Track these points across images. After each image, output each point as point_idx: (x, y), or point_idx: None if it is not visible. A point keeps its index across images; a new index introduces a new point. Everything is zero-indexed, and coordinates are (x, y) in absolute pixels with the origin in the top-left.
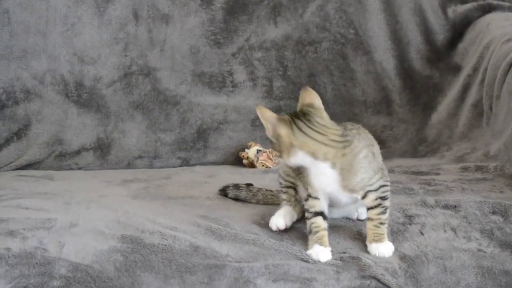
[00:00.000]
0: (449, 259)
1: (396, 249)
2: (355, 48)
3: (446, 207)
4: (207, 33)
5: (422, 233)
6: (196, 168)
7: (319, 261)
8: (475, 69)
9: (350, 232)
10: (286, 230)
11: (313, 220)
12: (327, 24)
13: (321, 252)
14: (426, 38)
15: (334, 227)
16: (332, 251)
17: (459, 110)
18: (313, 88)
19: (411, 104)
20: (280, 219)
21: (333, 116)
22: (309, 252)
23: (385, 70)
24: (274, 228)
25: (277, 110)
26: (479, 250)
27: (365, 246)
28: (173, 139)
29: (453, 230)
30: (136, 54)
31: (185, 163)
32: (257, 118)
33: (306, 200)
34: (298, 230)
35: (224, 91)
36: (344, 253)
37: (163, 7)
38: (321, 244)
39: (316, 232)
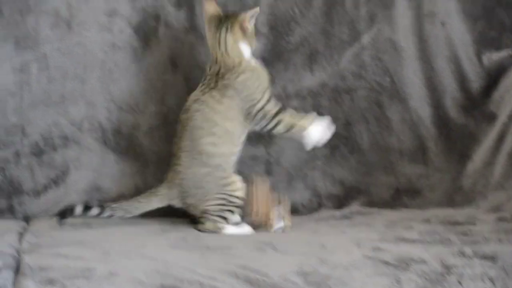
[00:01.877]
0: None
1: None
2: (390, 96)
3: (483, 257)
4: None
5: (460, 284)
6: None
7: None
8: (511, 118)
9: (388, 279)
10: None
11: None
12: (363, 72)
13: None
14: (461, 85)
15: (373, 275)
16: None
17: (495, 159)
18: (349, 137)
19: (446, 153)
20: None
21: (369, 165)
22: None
23: (420, 118)
24: None
25: (313, 159)
26: None
27: None
28: None
29: (491, 281)
30: (174, 102)
31: None
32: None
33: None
34: (335, 278)
35: (261, 142)
36: None
37: (200, 55)
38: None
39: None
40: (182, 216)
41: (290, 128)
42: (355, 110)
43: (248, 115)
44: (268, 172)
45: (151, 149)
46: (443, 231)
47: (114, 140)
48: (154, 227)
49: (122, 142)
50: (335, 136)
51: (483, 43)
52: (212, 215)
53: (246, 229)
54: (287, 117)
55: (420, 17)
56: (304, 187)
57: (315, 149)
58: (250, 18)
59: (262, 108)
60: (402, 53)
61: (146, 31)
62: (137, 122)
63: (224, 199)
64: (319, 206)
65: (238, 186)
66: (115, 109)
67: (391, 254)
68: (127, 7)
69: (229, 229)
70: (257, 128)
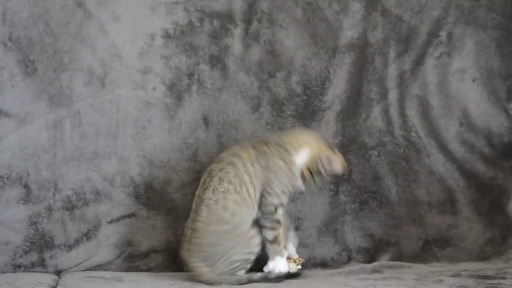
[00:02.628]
0: None
1: None
2: (417, 150)
3: None
4: None
5: None
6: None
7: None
8: None
9: None
10: None
11: (281, 230)
12: (390, 128)
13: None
14: (489, 140)
15: None
16: None
17: None
18: (377, 191)
19: (475, 204)
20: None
21: (398, 218)
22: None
23: (448, 171)
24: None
25: (342, 214)
26: None
27: None
28: None
29: None
30: (205, 159)
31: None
32: (324, 223)
33: (277, 209)
34: None
35: (291, 198)
36: None
37: (233, 113)
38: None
39: (281, 242)
40: None
41: (273, 241)
42: (382, 165)
43: (261, 198)
44: (298, 227)
45: (182, 204)
46: (474, 285)
47: (145, 195)
48: (184, 280)
49: (154, 198)
50: (363, 190)
51: None
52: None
53: None
54: (280, 233)
55: (448, 74)
56: (334, 241)
57: (345, 204)
58: (327, 163)
59: (273, 204)
60: (429, 109)
61: (179, 89)
62: (169, 178)
63: (240, 260)
64: (349, 260)
65: (256, 242)
66: (147, 165)
67: None
68: (161, 65)
69: None
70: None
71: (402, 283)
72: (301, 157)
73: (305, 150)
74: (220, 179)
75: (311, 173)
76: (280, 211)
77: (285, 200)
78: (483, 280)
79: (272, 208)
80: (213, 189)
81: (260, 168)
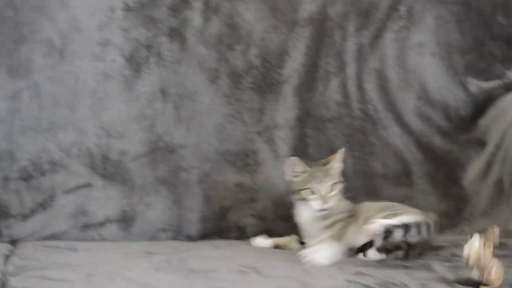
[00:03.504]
0: None
1: None
2: (374, 123)
3: (466, 284)
4: (233, 112)
5: None
6: (217, 242)
7: None
8: (498, 147)
9: None
10: None
11: None
12: (348, 101)
13: None
14: (446, 114)
15: None
16: None
17: (481, 187)
18: None
19: (431, 176)
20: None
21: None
22: None
23: (405, 144)
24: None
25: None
26: None
27: None
28: (197, 216)
29: None
30: (162, 130)
31: (207, 238)
32: (280, 197)
33: None
34: None
35: (247, 169)
36: None
37: (191, 85)
38: None
39: None
40: (167, 239)
41: None
42: (339, 137)
43: None
44: (253, 199)
45: (138, 175)
46: (426, 255)
47: (102, 166)
48: (138, 250)
49: (110, 168)
50: None
51: (472, 74)
52: None
53: None
54: None
55: (407, 48)
56: (290, 215)
57: None
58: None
59: None
60: (387, 83)
61: (138, 61)
62: (125, 149)
63: None
64: None
65: None
66: (104, 136)
67: (373, 278)
68: (120, 37)
69: None
70: None
71: None
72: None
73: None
74: None
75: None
76: None
77: None
78: (436, 251)
79: None
80: None
81: None
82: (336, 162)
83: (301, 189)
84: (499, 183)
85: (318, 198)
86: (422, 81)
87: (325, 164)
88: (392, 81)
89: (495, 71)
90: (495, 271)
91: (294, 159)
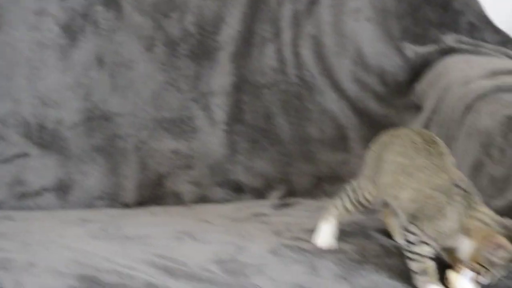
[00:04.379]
0: None
1: None
2: (310, 88)
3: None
4: (169, 79)
5: (378, 273)
6: (154, 209)
7: None
8: (434, 112)
9: (305, 266)
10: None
11: (428, 263)
12: (283, 67)
13: None
14: (383, 79)
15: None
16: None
17: None
18: (270, 129)
19: (367, 141)
20: (333, 239)
21: (290, 155)
22: None
23: (341, 109)
24: (326, 247)
25: (234, 154)
26: None
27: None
28: (134, 183)
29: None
30: (98, 99)
31: (144, 205)
32: (217, 163)
33: (417, 244)
34: (253, 265)
35: (183, 137)
36: (299, 286)
37: (127, 53)
38: (438, 285)
39: (432, 275)
40: (103, 207)
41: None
42: (275, 103)
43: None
44: (190, 166)
45: (74, 143)
46: (364, 220)
47: (38, 135)
48: (74, 218)
49: (46, 137)
50: (255, 129)
51: (408, 39)
52: None
53: None
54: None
55: (343, 14)
56: (226, 181)
57: (237, 143)
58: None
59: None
60: (323, 49)
61: (74, 30)
62: (61, 117)
63: None
64: (241, 199)
65: None
66: (40, 105)
67: (309, 242)
68: (56, 6)
69: None
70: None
71: (293, 219)
72: (466, 245)
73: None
74: None
75: (482, 266)
76: (426, 249)
77: (432, 244)
78: (372, 216)
79: (413, 238)
80: None
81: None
82: None
83: (486, 269)
84: None
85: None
86: (358, 46)
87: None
88: (328, 47)
89: (431, 36)
90: None
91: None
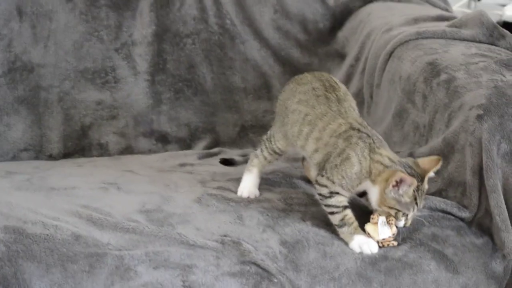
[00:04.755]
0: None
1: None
2: (232, 37)
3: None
4: (91, 30)
5: (303, 220)
6: (80, 160)
7: (372, 253)
8: (357, 59)
9: (230, 216)
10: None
11: (345, 212)
12: (205, 15)
13: (370, 243)
14: (304, 27)
15: (215, 212)
16: (213, 234)
17: None
18: (193, 79)
19: None
20: (255, 188)
21: (214, 105)
22: (353, 245)
23: (263, 58)
24: (250, 196)
25: (158, 104)
26: None
27: (246, 231)
28: (58, 134)
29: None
30: (20, 50)
31: (70, 157)
32: (141, 114)
33: (330, 196)
34: (179, 215)
35: (107, 87)
36: (225, 236)
37: (47, 3)
38: (361, 233)
39: (352, 223)
40: (28, 158)
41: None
42: (197, 53)
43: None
44: (114, 117)
45: None
46: (288, 169)
47: None
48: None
49: None
50: (178, 79)
51: None
52: None
53: None
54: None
55: None
56: (150, 131)
57: (160, 93)
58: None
59: (327, 188)
60: None
61: None
62: None
63: None
64: (166, 150)
65: None
66: None
67: (234, 192)
68: None
69: None
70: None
71: (216, 168)
72: (374, 193)
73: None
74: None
75: (392, 208)
76: (340, 199)
77: (345, 194)
78: (296, 163)
79: (326, 192)
80: None
81: (333, 144)
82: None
83: (396, 210)
84: (358, 94)
85: (405, 220)
86: None
87: (423, 179)
88: None
89: None
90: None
91: (413, 180)
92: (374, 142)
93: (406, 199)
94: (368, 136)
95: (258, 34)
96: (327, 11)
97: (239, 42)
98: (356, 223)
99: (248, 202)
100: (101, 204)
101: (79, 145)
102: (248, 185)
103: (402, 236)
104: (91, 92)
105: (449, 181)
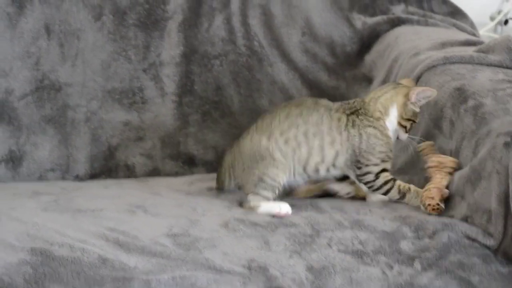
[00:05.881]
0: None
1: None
2: (260, 59)
3: (354, 223)
4: (119, 49)
5: (330, 246)
6: (106, 182)
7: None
8: (384, 83)
9: (257, 241)
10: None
11: (397, 183)
12: (233, 37)
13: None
14: (332, 50)
15: (242, 236)
16: (240, 259)
17: None
18: (220, 101)
19: None
20: (287, 205)
21: (241, 128)
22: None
23: (291, 80)
24: (284, 212)
25: (185, 126)
26: (387, 263)
27: (273, 256)
28: (85, 155)
29: (361, 244)
30: (48, 69)
31: (96, 177)
32: (168, 136)
33: (377, 178)
34: (206, 239)
35: (134, 107)
36: (252, 261)
37: (75, 22)
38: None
39: (409, 189)
40: (55, 179)
41: (400, 195)
42: (225, 74)
43: (351, 165)
44: (141, 138)
45: (24, 113)
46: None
47: None
48: (26, 191)
49: None
50: (206, 101)
51: (357, 9)
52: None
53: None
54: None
55: None
56: (177, 154)
57: (188, 115)
58: (419, 94)
59: (373, 172)
60: (272, 18)
61: None
62: (11, 87)
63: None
64: (193, 173)
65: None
66: None
67: (262, 217)
68: None
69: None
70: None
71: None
72: (393, 117)
73: (392, 107)
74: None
75: (411, 120)
76: (385, 175)
77: (388, 166)
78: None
79: (371, 177)
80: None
81: (348, 137)
82: None
83: (410, 120)
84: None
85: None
86: (306, 16)
87: None
88: (276, 17)
89: (380, 6)
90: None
91: (433, 90)
92: (358, 106)
93: (418, 109)
94: (353, 106)
95: (285, 57)
96: (355, 34)
97: (266, 64)
98: (413, 187)
99: (275, 227)
100: (128, 227)
101: (105, 166)
102: (280, 203)
103: (428, 263)
104: (118, 113)
105: (475, 207)
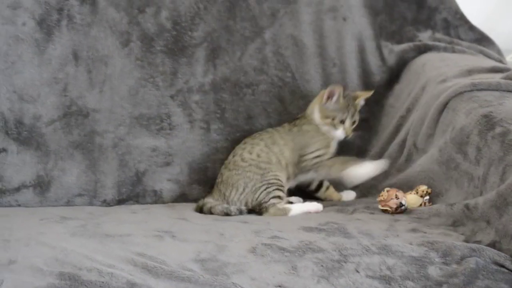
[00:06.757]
0: None
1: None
2: (292, 91)
3: (381, 248)
4: (146, 75)
5: (357, 271)
6: (134, 207)
7: None
8: (408, 110)
9: (285, 266)
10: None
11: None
12: (265, 67)
13: None
14: (363, 80)
15: (270, 262)
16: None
17: (386, 149)
18: (251, 130)
19: (347, 147)
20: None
21: None
22: None
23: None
24: (315, 209)
25: (214, 152)
26: None
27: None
28: (112, 180)
29: (389, 269)
30: (75, 95)
31: (123, 203)
32: (196, 161)
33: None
34: (233, 264)
35: (162, 134)
36: (280, 286)
37: (103, 48)
38: None
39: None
40: (82, 204)
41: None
42: (256, 104)
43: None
44: (168, 163)
45: (52, 139)
46: (342, 221)
47: (16, 131)
48: (53, 215)
49: (24, 133)
50: (236, 129)
51: (384, 36)
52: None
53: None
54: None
55: (321, 13)
56: (205, 179)
57: (217, 142)
58: (329, 94)
59: (315, 159)
60: (303, 49)
61: (49, 24)
62: (39, 113)
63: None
64: None
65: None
66: (17, 100)
67: (289, 242)
68: (30, 0)
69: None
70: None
71: (272, 219)
72: (316, 114)
73: (314, 107)
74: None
75: (330, 117)
76: (325, 157)
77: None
78: (351, 216)
79: (314, 161)
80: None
81: (292, 136)
82: (362, 100)
83: (332, 117)
84: (401, 144)
85: (343, 129)
86: (337, 46)
87: (355, 99)
88: (308, 47)
89: (406, 33)
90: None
91: (339, 87)
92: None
93: (339, 106)
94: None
95: (316, 88)
96: (383, 63)
97: (298, 96)
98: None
99: (302, 252)
100: (156, 252)
101: (133, 192)
102: (307, 203)
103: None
104: (146, 139)
105: (503, 233)
